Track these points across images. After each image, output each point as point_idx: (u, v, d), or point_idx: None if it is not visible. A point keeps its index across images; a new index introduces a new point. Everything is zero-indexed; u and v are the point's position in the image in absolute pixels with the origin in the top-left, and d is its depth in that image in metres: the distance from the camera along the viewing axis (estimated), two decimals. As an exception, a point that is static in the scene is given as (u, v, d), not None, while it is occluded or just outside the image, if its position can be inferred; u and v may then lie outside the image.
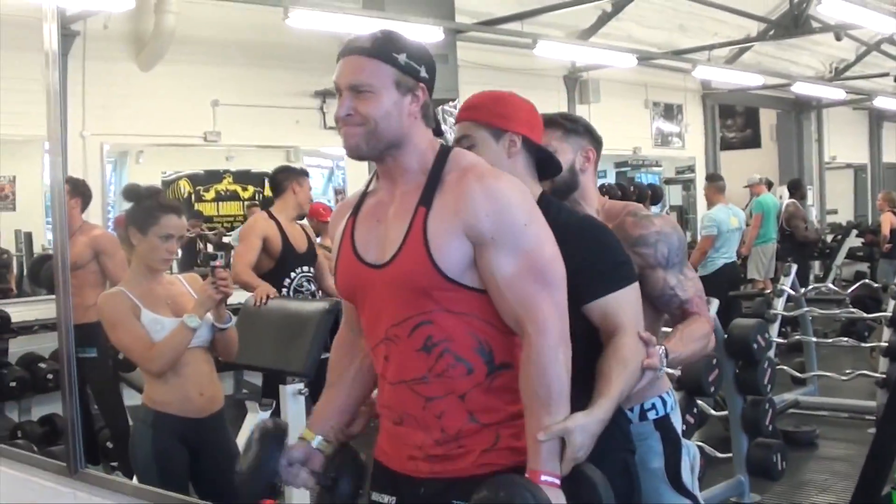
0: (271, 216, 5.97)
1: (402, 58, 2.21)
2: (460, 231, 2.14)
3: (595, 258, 2.35)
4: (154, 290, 3.80)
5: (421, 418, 2.22)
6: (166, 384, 3.75)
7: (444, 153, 2.27)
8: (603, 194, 2.99)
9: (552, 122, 2.80)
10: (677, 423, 2.88)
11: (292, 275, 5.89)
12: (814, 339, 7.93)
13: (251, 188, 10.14)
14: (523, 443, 2.19)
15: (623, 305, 2.37)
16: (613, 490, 2.17)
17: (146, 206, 3.79)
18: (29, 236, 8.57)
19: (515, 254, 2.14)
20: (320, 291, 6.05)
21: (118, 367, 5.86)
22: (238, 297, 4.68)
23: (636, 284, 2.44)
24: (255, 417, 4.19)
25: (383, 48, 2.21)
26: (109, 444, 6.16)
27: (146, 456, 3.76)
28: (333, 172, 10.43)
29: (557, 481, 2.08)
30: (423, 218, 2.17)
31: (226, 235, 9.69)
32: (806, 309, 7.88)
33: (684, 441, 2.88)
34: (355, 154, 2.24)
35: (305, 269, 5.96)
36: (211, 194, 9.90)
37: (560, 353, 2.12)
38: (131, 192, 3.85)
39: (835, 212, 17.83)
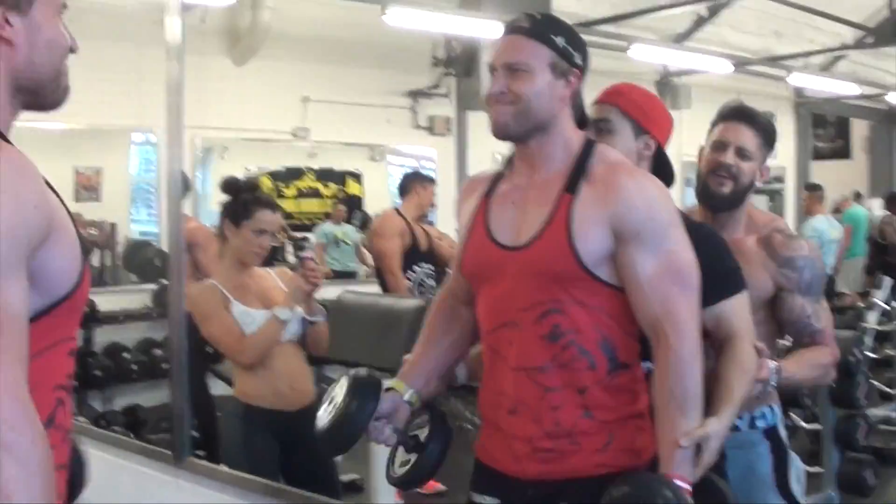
0: (399, 214, 6.27)
1: (559, 41, 2.22)
2: (606, 222, 2.15)
3: (709, 264, 2.32)
4: (245, 284, 3.84)
5: (536, 409, 2.21)
6: (257, 377, 3.79)
7: (589, 145, 2.27)
8: None
9: (753, 121, 2.80)
10: (784, 435, 2.86)
11: (416, 269, 6.15)
12: (905, 355, 7.77)
13: (333, 186, 10.23)
14: (638, 444, 2.21)
15: (737, 312, 2.37)
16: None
17: (242, 199, 3.83)
18: (113, 227, 8.70)
19: (658, 253, 2.16)
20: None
21: (208, 358, 5.93)
22: (329, 292, 4.71)
23: (746, 292, 2.43)
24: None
25: (543, 29, 2.23)
26: (195, 434, 6.24)
27: (238, 448, 3.79)
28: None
29: (689, 487, 2.06)
30: (567, 205, 2.18)
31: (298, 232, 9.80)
32: (899, 324, 7.72)
33: (791, 453, 2.84)
34: (502, 132, 2.25)
35: (427, 266, 6.22)
36: (292, 191, 10.04)
37: (697, 357, 2.12)
38: (229, 185, 3.89)
39: (924, 226, 17.46)
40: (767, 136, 2.81)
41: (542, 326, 2.19)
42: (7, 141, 1.52)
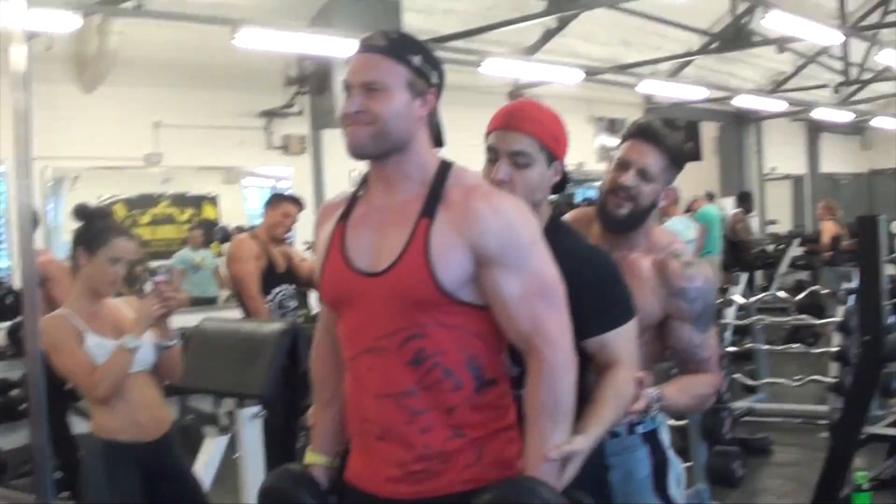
0: (255, 237, 6.16)
1: (416, 59, 2.18)
2: (465, 247, 2.12)
3: (598, 292, 2.31)
4: (98, 314, 3.71)
5: (404, 434, 2.17)
6: (113, 410, 3.66)
7: (445, 167, 2.24)
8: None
9: (659, 140, 2.70)
10: (665, 438, 2.84)
11: (274, 291, 6.03)
12: (765, 347, 8.00)
13: (188, 211, 10.05)
14: (507, 455, 2.19)
15: (621, 341, 2.34)
16: None
17: (97, 227, 3.71)
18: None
19: (521, 273, 2.12)
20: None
21: (67, 396, 5.75)
22: (190, 319, 4.61)
23: (635, 319, 2.40)
24: (214, 442, 4.11)
25: (399, 48, 2.18)
26: (59, 475, 6.03)
27: (100, 486, 3.67)
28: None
29: None
30: (425, 230, 2.14)
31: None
32: (757, 317, 7.95)
33: (671, 455, 2.83)
34: (359, 153, 2.19)
35: (286, 286, 6.10)
36: (147, 218, 9.77)
37: (569, 369, 2.11)
38: (81, 212, 3.76)
39: (774, 222, 18.06)
40: (674, 156, 2.72)
41: (405, 352, 2.14)
42: None
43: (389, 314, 2.15)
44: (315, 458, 2.44)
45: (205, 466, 4.06)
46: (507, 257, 2.11)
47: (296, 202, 6.40)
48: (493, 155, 2.42)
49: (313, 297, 6.00)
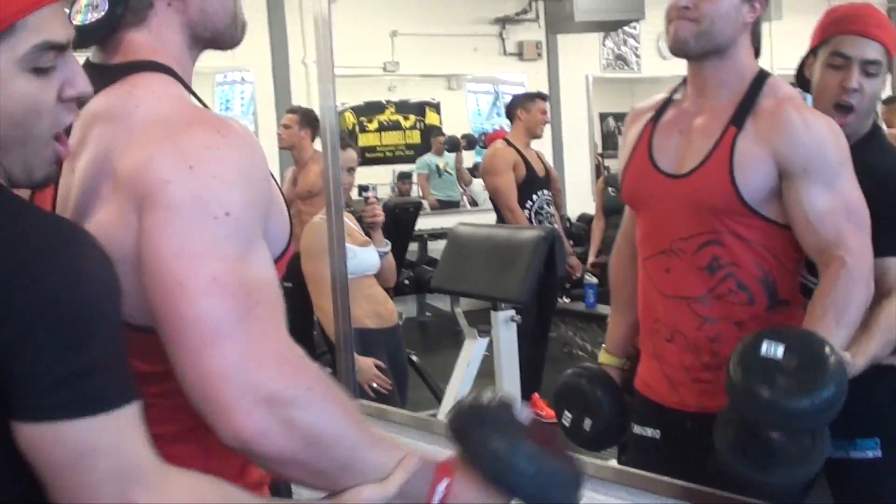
0: (509, 144, 6.03)
1: None
2: (770, 158, 2.09)
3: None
4: None
5: (693, 339, 2.19)
6: (357, 304, 3.94)
7: (762, 76, 2.21)
8: None
9: None
10: None
11: (534, 198, 5.94)
12: None
13: (412, 117, 10.26)
14: None
15: None
16: None
17: None
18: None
19: (829, 190, 2.06)
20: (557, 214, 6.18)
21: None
22: (439, 222, 4.75)
23: None
24: (475, 343, 4.26)
25: None
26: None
27: None
28: (498, 98, 10.36)
29: None
30: (732, 137, 2.12)
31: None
32: None
33: None
34: (681, 49, 2.19)
35: (545, 192, 6.01)
36: (374, 125, 10.05)
37: (866, 287, 2.03)
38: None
39: None
40: None
41: (700, 257, 2.15)
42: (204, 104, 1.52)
43: (687, 217, 2.16)
44: (608, 360, 2.52)
45: (466, 365, 4.22)
46: (815, 172, 2.06)
47: (545, 98, 6.31)
48: (841, 61, 2.29)
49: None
